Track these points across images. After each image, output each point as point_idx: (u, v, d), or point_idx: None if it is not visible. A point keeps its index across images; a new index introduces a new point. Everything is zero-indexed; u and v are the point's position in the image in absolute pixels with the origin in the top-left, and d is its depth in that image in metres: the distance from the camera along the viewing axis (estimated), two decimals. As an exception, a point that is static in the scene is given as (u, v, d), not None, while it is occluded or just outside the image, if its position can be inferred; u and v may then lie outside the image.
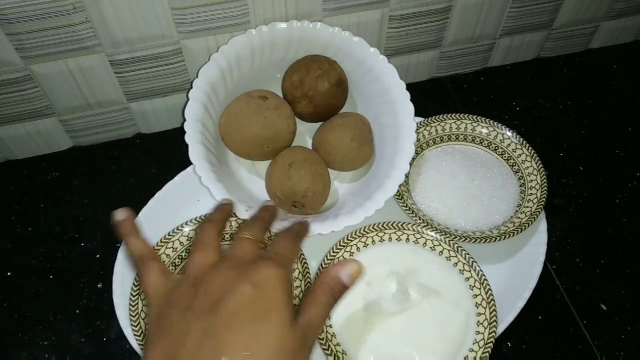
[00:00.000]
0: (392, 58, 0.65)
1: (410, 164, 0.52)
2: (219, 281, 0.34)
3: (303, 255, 0.50)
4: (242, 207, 0.48)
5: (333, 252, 0.51)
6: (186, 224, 0.52)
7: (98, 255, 0.55)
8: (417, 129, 0.57)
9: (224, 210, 0.44)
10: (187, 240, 0.51)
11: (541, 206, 0.54)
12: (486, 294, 0.48)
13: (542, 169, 0.57)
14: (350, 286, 0.36)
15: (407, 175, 0.53)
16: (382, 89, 0.55)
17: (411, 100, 0.54)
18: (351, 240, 0.51)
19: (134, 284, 0.49)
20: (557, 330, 0.52)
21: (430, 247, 0.51)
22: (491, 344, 0.46)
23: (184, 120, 0.51)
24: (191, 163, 0.49)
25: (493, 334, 0.47)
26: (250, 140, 0.53)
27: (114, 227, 0.40)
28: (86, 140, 0.64)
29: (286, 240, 0.39)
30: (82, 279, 0.54)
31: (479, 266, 0.50)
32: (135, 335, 0.47)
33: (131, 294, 0.48)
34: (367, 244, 0.52)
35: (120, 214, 0.41)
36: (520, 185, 0.57)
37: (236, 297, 0.32)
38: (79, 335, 0.51)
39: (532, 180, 0.57)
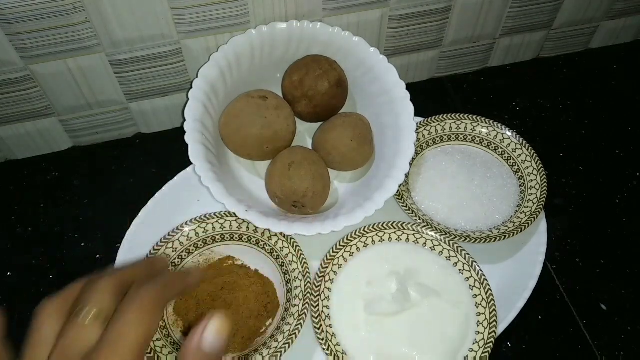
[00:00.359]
0: (392, 58, 0.65)
1: (410, 164, 0.52)
2: None
3: (303, 255, 0.50)
4: (242, 207, 0.48)
5: (333, 252, 0.51)
6: (186, 224, 0.52)
7: (98, 256, 0.55)
8: (417, 129, 0.57)
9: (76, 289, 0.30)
10: (187, 240, 0.51)
11: (541, 206, 0.54)
12: (486, 294, 0.48)
13: (542, 169, 0.57)
14: (222, 345, 0.26)
15: (407, 175, 0.53)
16: (382, 89, 0.55)
17: (411, 100, 0.54)
18: (351, 240, 0.51)
19: (134, 284, 0.49)
20: (557, 330, 0.52)
21: (430, 247, 0.51)
22: (491, 344, 0.46)
23: (184, 120, 0.51)
24: (191, 163, 0.49)
25: (493, 334, 0.47)
26: (250, 140, 0.53)
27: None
28: (86, 140, 0.64)
29: (130, 314, 0.25)
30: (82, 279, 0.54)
31: (479, 266, 0.50)
32: (135, 335, 0.47)
33: (131, 294, 0.48)
34: (367, 244, 0.52)
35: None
36: (520, 185, 0.57)
37: None
38: (79, 335, 0.51)
39: (532, 180, 0.57)
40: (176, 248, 0.51)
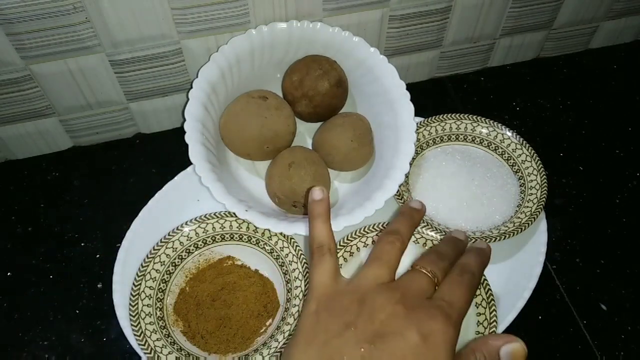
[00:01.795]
0: (392, 58, 0.65)
1: (410, 164, 0.52)
2: (386, 313, 0.32)
3: (303, 255, 0.50)
4: (242, 207, 0.48)
5: (333, 252, 0.51)
6: (186, 224, 0.52)
7: (98, 255, 0.55)
8: (417, 129, 0.57)
9: (412, 220, 0.40)
10: (187, 240, 0.51)
11: (541, 206, 0.54)
12: (486, 294, 0.48)
13: (542, 169, 0.57)
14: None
15: (407, 175, 0.53)
16: (382, 89, 0.55)
17: (411, 100, 0.54)
18: (351, 240, 0.51)
19: (134, 284, 0.49)
20: (557, 330, 0.52)
21: (430, 247, 0.51)
22: (491, 344, 0.46)
23: (184, 120, 0.51)
24: (191, 163, 0.49)
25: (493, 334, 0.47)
26: (250, 140, 0.53)
27: (308, 205, 0.39)
28: (86, 140, 0.64)
29: (462, 288, 0.35)
30: (82, 279, 0.54)
31: (479, 266, 0.50)
32: (135, 335, 0.47)
33: (131, 294, 0.48)
34: (367, 244, 0.52)
35: (317, 194, 0.39)
36: (520, 185, 0.57)
37: (401, 343, 0.31)
38: (79, 335, 0.51)
39: (532, 180, 0.57)
40: (176, 248, 0.51)
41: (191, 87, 0.52)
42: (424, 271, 0.36)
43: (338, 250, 0.51)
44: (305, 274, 0.49)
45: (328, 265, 0.36)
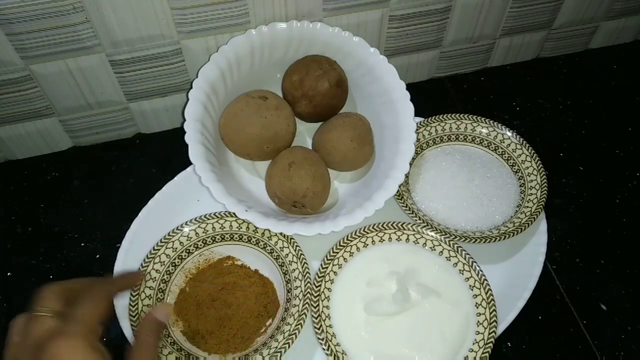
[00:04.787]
0: (392, 58, 0.65)
1: (410, 164, 0.52)
2: None
3: (303, 255, 0.50)
4: (242, 207, 0.48)
5: (333, 252, 0.51)
6: (186, 224, 0.52)
7: (98, 255, 0.55)
8: (417, 129, 0.57)
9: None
10: (187, 240, 0.51)
11: (541, 206, 0.54)
12: (486, 294, 0.48)
13: (542, 169, 0.57)
14: (165, 323, 0.41)
15: (407, 175, 0.53)
16: (382, 89, 0.55)
17: (411, 100, 0.54)
18: (351, 240, 0.51)
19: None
20: (557, 330, 0.52)
21: (430, 247, 0.51)
22: (491, 344, 0.46)
23: (184, 120, 0.51)
24: (191, 163, 0.49)
25: (493, 334, 0.47)
26: (250, 140, 0.53)
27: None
28: (86, 140, 0.64)
29: (87, 301, 0.36)
30: (82, 279, 0.54)
31: (479, 266, 0.50)
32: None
33: (131, 294, 0.48)
34: (367, 244, 0.52)
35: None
36: (520, 185, 0.57)
37: None
38: (79, 335, 0.51)
39: (532, 180, 0.57)
40: (176, 248, 0.51)
41: (191, 87, 0.52)
42: (38, 313, 0.36)
43: (338, 251, 0.51)
44: (305, 274, 0.49)
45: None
